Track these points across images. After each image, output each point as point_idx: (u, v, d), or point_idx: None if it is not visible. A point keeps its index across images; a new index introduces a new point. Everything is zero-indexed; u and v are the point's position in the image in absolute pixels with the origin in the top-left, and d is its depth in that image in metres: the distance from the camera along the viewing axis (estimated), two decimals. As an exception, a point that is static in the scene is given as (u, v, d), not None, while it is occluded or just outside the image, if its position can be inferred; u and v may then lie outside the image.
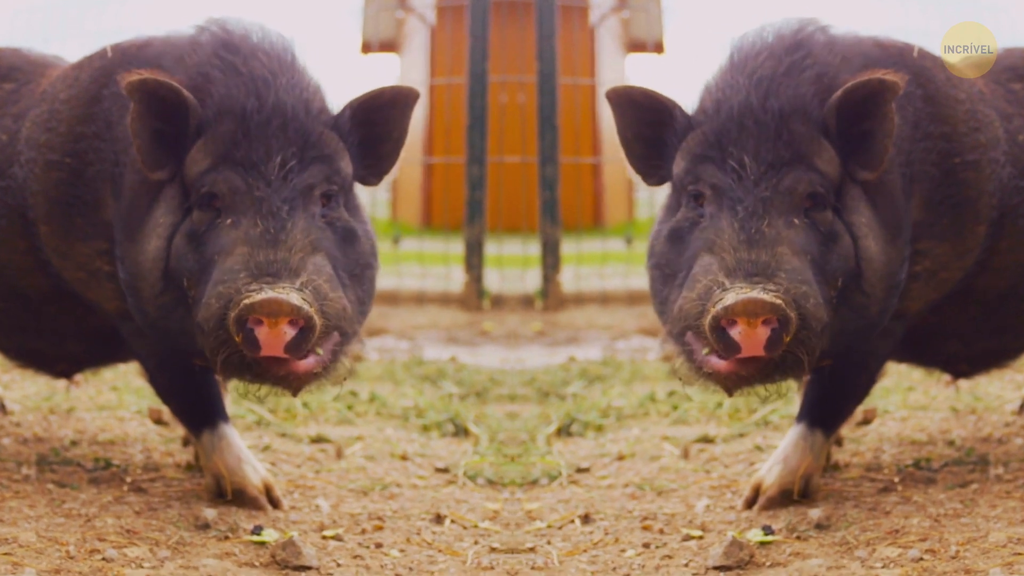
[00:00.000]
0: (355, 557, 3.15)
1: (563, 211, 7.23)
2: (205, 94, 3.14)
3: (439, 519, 3.49)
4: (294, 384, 2.98)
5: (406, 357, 5.66)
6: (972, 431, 4.27)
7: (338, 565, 3.08)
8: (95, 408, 4.54)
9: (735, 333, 2.87)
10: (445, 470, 3.94)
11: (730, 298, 2.86)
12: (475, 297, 7.07)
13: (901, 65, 3.29)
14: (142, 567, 2.95)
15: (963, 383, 4.71)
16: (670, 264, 3.15)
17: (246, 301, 2.86)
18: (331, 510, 3.51)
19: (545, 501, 3.65)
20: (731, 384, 2.98)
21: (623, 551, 3.24)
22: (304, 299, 2.88)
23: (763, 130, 3.09)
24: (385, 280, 7.55)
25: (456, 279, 7.34)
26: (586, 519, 3.49)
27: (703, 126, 3.15)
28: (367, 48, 10.91)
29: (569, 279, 7.40)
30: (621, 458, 4.04)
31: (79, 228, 3.35)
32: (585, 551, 3.26)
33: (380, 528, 3.37)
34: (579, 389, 4.87)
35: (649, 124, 3.24)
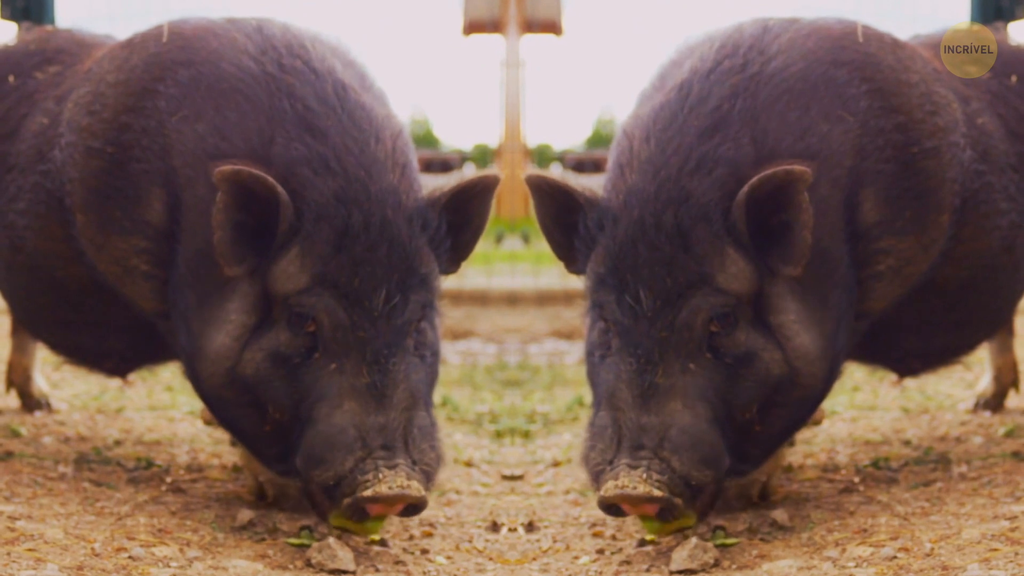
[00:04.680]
0: (397, 563, 3.27)
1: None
2: (297, 193, 3.24)
3: (495, 527, 3.60)
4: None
5: (492, 361, 5.79)
6: (927, 430, 4.42)
7: (376, 570, 3.20)
8: (145, 408, 4.76)
9: (624, 508, 3.15)
10: (512, 477, 4.06)
11: (609, 487, 3.12)
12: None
13: (844, 62, 3.42)
14: (168, 566, 3.11)
15: (911, 383, 4.90)
16: (591, 385, 3.40)
17: (366, 493, 3.09)
18: (381, 515, 3.63)
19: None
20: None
21: (576, 558, 3.34)
22: (420, 484, 3.13)
23: (657, 256, 3.19)
24: (476, 279, 7.68)
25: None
26: (530, 527, 3.60)
27: (605, 239, 3.27)
28: (470, 28, 11.09)
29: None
30: (556, 464, 4.17)
31: (116, 221, 3.49)
32: (535, 559, 3.36)
33: (429, 535, 3.50)
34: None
35: (567, 211, 3.39)
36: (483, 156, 9.76)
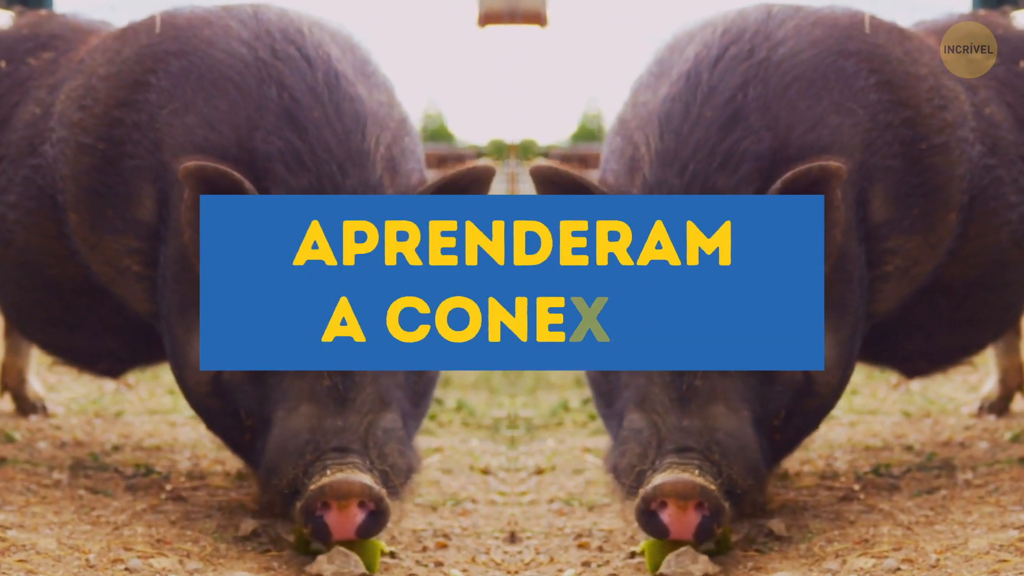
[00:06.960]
0: (408, 576, 3.21)
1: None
2: (268, 190, 3.22)
3: (513, 538, 3.53)
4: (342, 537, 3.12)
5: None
6: (930, 435, 4.41)
7: (388, 584, 3.15)
8: (146, 412, 4.73)
9: (665, 515, 3.05)
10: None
11: (660, 478, 3.05)
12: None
13: (851, 52, 3.42)
14: (167, 579, 3.06)
15: (913, 385, 4.90)
16: (602, 392, 3.36)
17: (312, 488, 3.04)
18: (392, 525, 3.56)
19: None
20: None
21: (560, 571, 3.27)
22: (375, 480, 3.06)
23: None
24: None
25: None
26: (512, 538, 3.53)
27: None
28: (486, 19, 11.04)
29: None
30: (540, 472, 4.12)
31: (108, 220, 3.48)
32: (517, 572, 3.30)
33: (444, 546, 3.44)
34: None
35: None
36: (499, 152, 9.70)
